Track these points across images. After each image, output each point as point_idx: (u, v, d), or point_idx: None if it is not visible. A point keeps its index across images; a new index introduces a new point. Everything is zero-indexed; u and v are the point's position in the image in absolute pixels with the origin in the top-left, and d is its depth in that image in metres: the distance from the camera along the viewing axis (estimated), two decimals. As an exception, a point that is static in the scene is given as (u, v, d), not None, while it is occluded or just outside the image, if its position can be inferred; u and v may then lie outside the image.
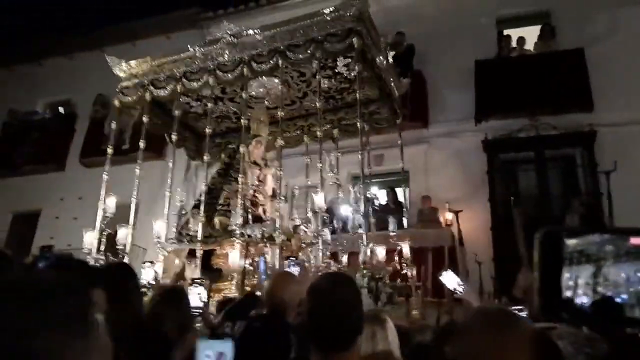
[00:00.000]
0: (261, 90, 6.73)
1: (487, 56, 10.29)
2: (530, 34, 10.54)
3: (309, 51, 5.77)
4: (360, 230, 5.74)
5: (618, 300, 0.65)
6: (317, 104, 5.90)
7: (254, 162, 6.58)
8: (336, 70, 6.49)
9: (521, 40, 10.41)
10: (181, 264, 5.95)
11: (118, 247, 6.07)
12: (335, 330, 1.86)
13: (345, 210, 6.18)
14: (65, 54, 13.37)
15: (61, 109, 13.67)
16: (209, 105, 6.43)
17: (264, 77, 6.35)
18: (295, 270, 4.74)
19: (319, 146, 6.01)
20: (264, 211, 6.35)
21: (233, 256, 5.27)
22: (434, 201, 9.33)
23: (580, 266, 0.65)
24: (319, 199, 5.47)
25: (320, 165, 5.88)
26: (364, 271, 5.11)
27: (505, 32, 10.81)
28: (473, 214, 9.65)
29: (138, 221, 11.09)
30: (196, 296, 4.61)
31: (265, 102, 6.96)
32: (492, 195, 9.51)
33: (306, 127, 7.45)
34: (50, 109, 13.81)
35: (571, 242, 0.68)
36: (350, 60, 6.16)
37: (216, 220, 6.29)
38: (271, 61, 5.92)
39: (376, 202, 8.76)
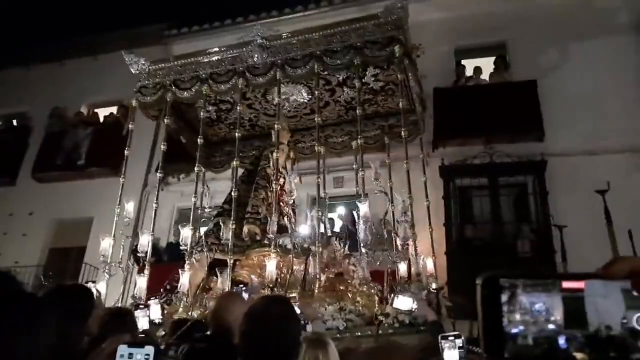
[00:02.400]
0: (284, 97, 6.42)
1: (445, 84, 10.34)
2: (488, 65, 10.67)
3: (347, 57, 5.60)
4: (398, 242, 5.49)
5: (515, 330, 0.65)
6: (358, 111, 5.68)
7: (278, 170, 6.16)
8: (364, 81, 6.27)
9: (477, 70, 10.60)
10: (204, 275, 5.61)
11: (139, 254, 5.74)
12: (270, 352, 1.85)
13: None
14: (20, 66, 12.66)
15: (15, 122, 12.92)
16: (239, 108, 6.04)
17: (292, 83, 6.22)
18: (244, 296, 4.69)
19: (360, 155, 5.76)
20: (289, 221, 6.06)
21: (270, 267, 4.92)
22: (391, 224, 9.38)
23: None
24: (364, 209, 5.19)
25: (363, 173, 5.57)
26: (418, 283, 4.97)
27: (464, 61, 10.99)
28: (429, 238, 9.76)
29: (92, 238, 10.89)
30: (144, 319, 4.41)
31: (285, 110, 6.68)
32: (447, 220, 9.64)
33: (323, 137, 7.08)
34: (4, 121, 13.00)
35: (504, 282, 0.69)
36: (379, 70, 6.11)
37: (245, 228, 5.92)
38: (307, 66, 5.71)
39: (336, 224, 8.77)
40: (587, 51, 9.88)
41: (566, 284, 0.65)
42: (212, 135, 7.32)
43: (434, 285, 5.50)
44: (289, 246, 5.39)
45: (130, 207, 6.00)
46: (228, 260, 5.24)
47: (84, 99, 12.79)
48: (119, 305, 5.68)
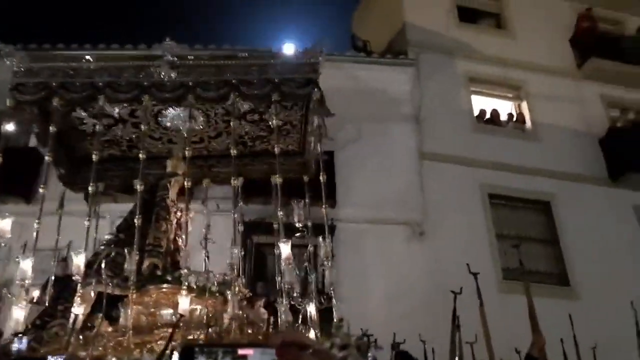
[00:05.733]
0: (177, 122, 6.16)
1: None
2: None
3: (264, 90, 5.61)
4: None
5: None
6: (276, 149, 5.69)
7: (172, 201, 5.92)
8: (264, 117, 6.32)
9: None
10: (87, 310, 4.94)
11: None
12: None
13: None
14: None
15: None
16: (143, 127, 5.61)
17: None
18: (23, 345, 4.29)
19: (278, 192, 5.75)
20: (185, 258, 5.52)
21: (183, 305, 4.61)
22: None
23: None
24: (286, 250, 5.22)
25: (282, 214, 5.60)
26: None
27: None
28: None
29: None
30: None
31: (173, 136, 6.38)
32: (243, 274, 10.03)
33: (206, 167, 6.90)
34: None
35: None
36: (281, 109, 6.02)
37: (146, 262, 5.42)
38: (221, 92, 5.56)
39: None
40: (378, 132, 11.56)
41: (241, 352, 0.97)
42: (81, 150, 6.55)
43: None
44: (193, 284, 5.06)
45: (7, 224, 5.07)
46: (130, 295, 4.79)
47: None
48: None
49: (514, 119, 13.27)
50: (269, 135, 6.66)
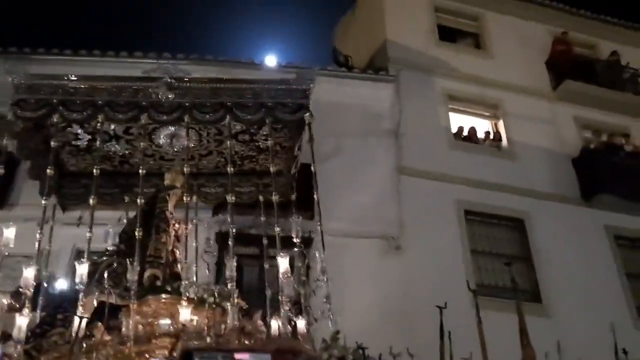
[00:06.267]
0: (170, 140, 6.43)
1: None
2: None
3: (259, 114, 5.88)
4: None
5: None
6: (272, 168, 5.97)
7: (171, 213, 6.12)
8: (254, 138, 6.62)
9: (262, 149, 11.84)
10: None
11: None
12: None
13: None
14: None
15: None
16: (142, 144, 5.87)
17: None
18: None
19: (275, 210, 6.12)
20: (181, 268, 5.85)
21: (184, 315, 4.77)
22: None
23: None
24: (285, 264, 5.52)
25: (279, 230, 5.92)
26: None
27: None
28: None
29: None
30: None
31: (164, 152, 6.63)
32: (217, 284, 10.17)
33: (196, 185, 7.11)
34: None
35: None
36: (272, 130, 6.34)
37: (147, 272, 5.58)
38: (217, 114, 5.79)
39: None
40: (357, 146, 11.74)
41: (237, 356, 1.20)
42: (71, 165, 6.77)
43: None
44: (192, 295, 5.28)
45: (11, 233, 5.16)
46: (130, 305, 4.96)
47: None
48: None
49: (491, 137, 13.64)
50: (257, 155, 7.01)
